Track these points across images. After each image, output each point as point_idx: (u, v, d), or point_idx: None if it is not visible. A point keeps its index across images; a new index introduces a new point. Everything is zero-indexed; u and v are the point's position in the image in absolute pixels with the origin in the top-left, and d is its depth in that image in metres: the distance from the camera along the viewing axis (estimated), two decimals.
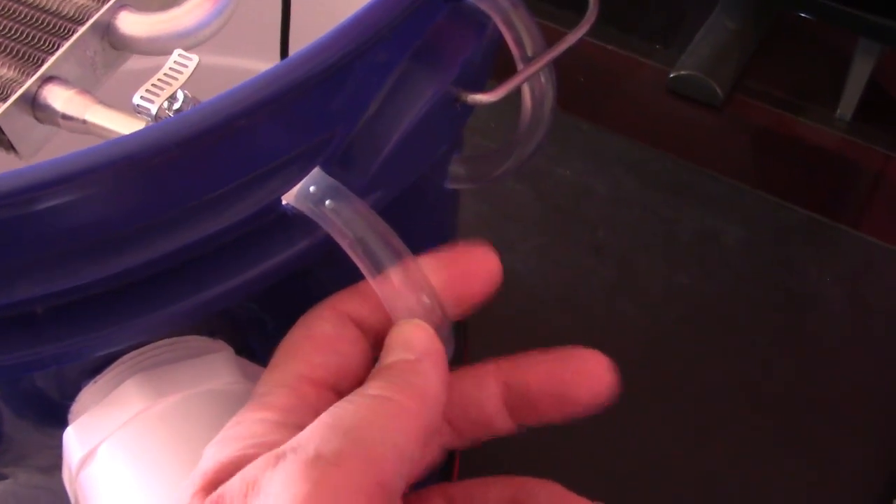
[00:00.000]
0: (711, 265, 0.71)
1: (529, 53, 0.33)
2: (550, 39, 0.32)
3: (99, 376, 0.28)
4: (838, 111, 0.81)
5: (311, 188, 0.26)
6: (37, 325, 0.25)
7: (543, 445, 0.63)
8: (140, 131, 0.22)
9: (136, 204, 0.24)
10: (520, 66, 0.33)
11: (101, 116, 0.29)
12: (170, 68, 0.27)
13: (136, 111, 0.27)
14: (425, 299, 0.27)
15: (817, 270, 0.70)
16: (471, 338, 0.64)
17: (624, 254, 0.72)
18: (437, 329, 0.27)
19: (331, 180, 0.27)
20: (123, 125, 0.29)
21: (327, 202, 0.26)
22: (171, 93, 0.27)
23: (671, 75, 0.82)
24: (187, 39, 0.32)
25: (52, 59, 0.30)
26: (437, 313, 0.27)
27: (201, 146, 0.23)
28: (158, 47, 0.32)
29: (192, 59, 0.27)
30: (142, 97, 0.27)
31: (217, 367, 0.29)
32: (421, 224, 0.39)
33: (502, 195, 0.74)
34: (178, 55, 0.28)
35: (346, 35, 0.24)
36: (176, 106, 0.27)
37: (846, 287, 0.69)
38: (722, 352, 0.67)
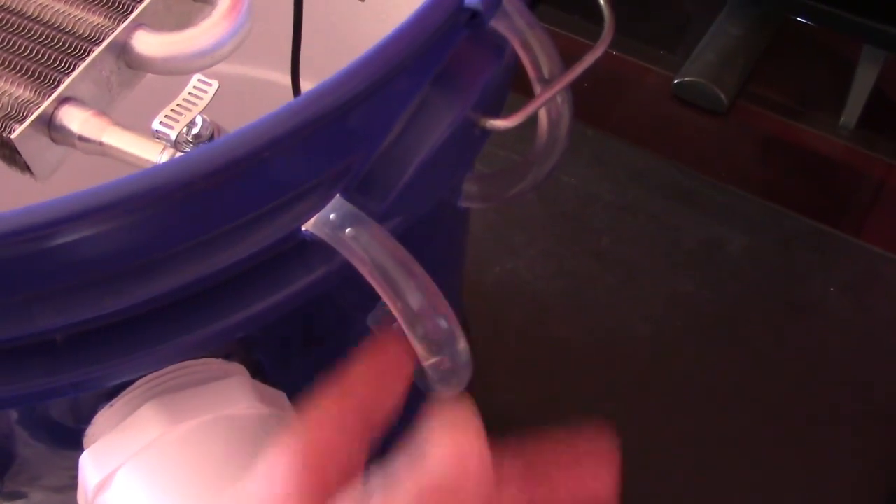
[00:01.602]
0: (716, 274, 0.71)
1: (546, 75, 0.32)
2: (559, 46, 0.32)
3: (115, 400, 0.28)
4: (842, 119, 0.81)
5: (332, 215, 0.26)
6: (56, 353, 0.25)
7: None
8: (167, 164, 0.22)
9: (158, 236, 0.24)
10: (536, 87, 0.33)
11: (118, 139, 0.29)
12: (189, 93, 0.27)
13: (156, 136, 0.27)
14: (443, 324, 0.27)
15: (822, 280, 0.70)
16: (476, 343, 0.64)
17: (629, 261, 0.71)
18: (458, 354, 0.27)
19: (350, 207, 0.27)
20: (141, 148, 0.29)
21: (347, 229, 0.26)
22: (190, 118, 0.27)
23: (675, 81, 0.82)
24: (204, 59, 0.31)
25: (68, 80, 0.30)
26: (456, 338, 0.27)
27: (226, 178, 0.23)
28: (175, 67, 0.31)
29: (212, 85, 0.27)
30: (161, 122, 0.27)
31: (234, 391, 0.29)
32: (432, 242, 0.39)
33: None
34: (198, 80, 0.27)
35: (372, 65, 0.24)
36: (195, 131, 0.27)
37: (851, 296, 0.69)
38: (727, 361, 0.67)
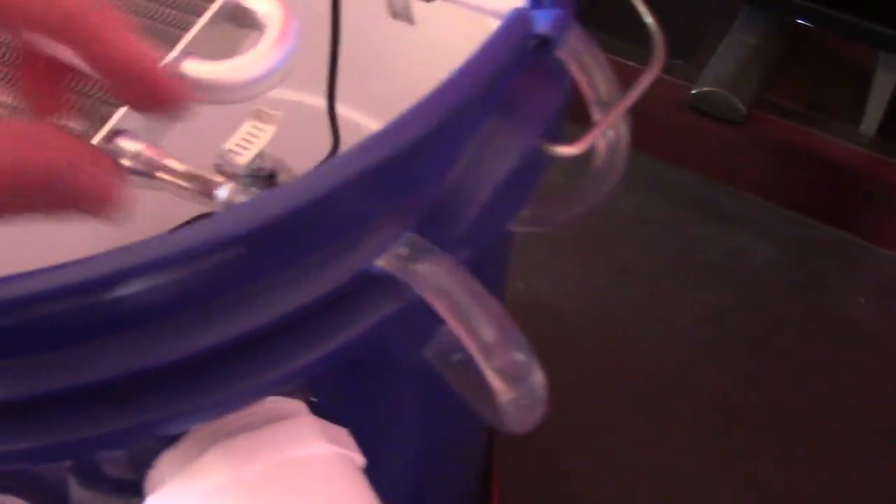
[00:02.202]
0: (740, 285, 0.71)
1: (605, 98, 0.32)
2: None
3: (178, 444, 0.27)
4: (861, 127, 0.80)
5: (403, 250, 0.26)
6: (126, 398, 0.24)
7: (574, 463, 0.63)
8: (246, 207, 0.21)
9: (233, 278, 0.23)
10: (594, 109, 0.33)
11: (175, 173, 0.28)
12: (252, 125, 0.26)
13: (219, 170, 0.26)
14: (520, 356, 0.26)
15: (849, 290, 0.70)
16: None
17: (652, 274, 0.71)
18: (535, 387, 0.27)
19: (421, 241, 0.26)
20: (199, 183, 0.28)
21: (419, 263, 0.26)
22: (256, 151, 0.26)
23: (693, 92, 0.82)
24: (256, 87, 0.31)
25: (118, 113, 0.29)
26: (533, 371, 0.27)
27: (301, 220, 0.22)
28: (227, 96, 0.31)
29: (278, 115, 0.26)
30: (224, 157, 0.26)
31: (301, 432, 0.28)
32: (482, 268, 0.38)
33: None
34: (261, 111, 0.27)
35: (444, 101, 0.23)
36: (257, 165, 0.26)
37: (878, 306, 0.69)
38: (754, 373, 0.67)
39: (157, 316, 0.23)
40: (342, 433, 0.30)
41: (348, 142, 0.49)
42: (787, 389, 0.66)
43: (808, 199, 0.77)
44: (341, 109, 0.47)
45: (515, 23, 0.25)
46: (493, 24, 0.41)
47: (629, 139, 0.33)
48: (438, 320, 0.29)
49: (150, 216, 0.36)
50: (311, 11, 0.36)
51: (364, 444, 0.31)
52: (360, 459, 0.30)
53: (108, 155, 0.28)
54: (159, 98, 0.25)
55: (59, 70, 0.25)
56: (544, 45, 0.26)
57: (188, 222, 0.58)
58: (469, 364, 0.31)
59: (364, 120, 0.52)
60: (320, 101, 0.45)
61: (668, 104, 0.84)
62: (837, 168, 0.79)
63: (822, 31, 0.84)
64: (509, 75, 0.26)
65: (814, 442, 0.64)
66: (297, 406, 0.29)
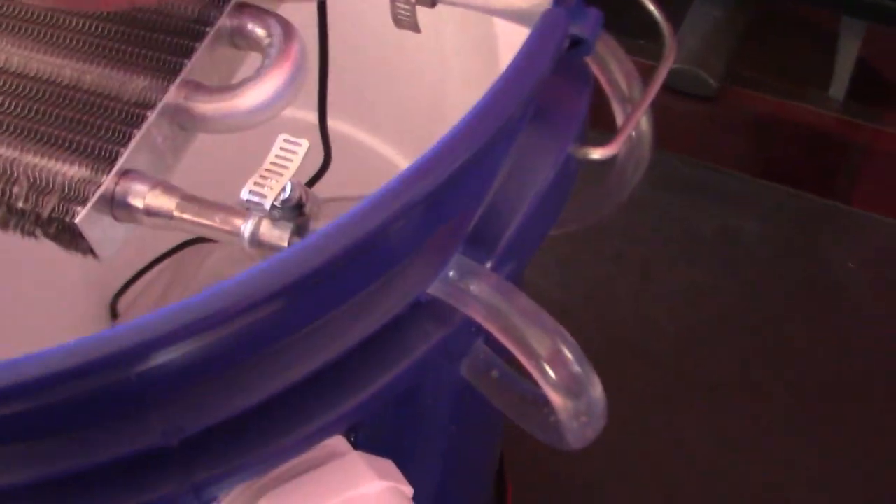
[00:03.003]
0: (732, 262, 0.70)
1: (626, 94, 0.31)
2: None
3: (226, 497, 0.26)
4: (830, 91, 0.81)
5: (451, 273, 0.24)
6: (175, 458, 0.23)
7: (583, 462, 0.62)
8: (295, 251, 0.20)
9: (281, 324, 0.21)
10: (615, 106, 0.32)
11: (193, 210, 0.27)
12: (276, 156, 0.25)
13: (247, 206, 0.25)
14: (576, 369, 0.26)
15: (836, 256, 0.70)
16: None
17: (644, 259, 0.70)
18: (593, 401, 0.26)
19: (468, 261, 0.25)
20: (221, 219, 0.26)
21: (467, 284, 0.24)
22: (283, 183, 0.24)
23: None
24: (263, 113, 0.29)
25: (126, 152, 0.27)
26: (591, 384, 0.26)
27: (352, 259, 0.21)
28: (234, 124, 0.29)
29: (301, 145, 0.25)
30: (251, 191, 0.24)
31: (351, 471, 0.26)
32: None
33: None
34: (284, 140, 0.25)
35: (489, 119, 0.22)
36: (284, 196, 0.25)
37: (870, 271, 0.69)
38: (755, 348, 0.67)
39: (201, 375, 0.21)
40: (389, 465, 0.29)
41: (338, 154, 0.47)
42: (785, 364, 0.66)
43: (786, 168, 0.77)
44: (330, 122, 0.45)
45: (552, 25, 0.24)
46: (491, 25, 0.40)
47: (652, 134, 0.32)
48: (475, 338, 0.28)
49: (137, 243, 0.34)
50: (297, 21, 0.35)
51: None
52: (408, 490, 0.29)
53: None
54: None
55: None
56: (578, 46, 0.25)
57: (177, 248, 0.57)
58: (509, 380, 0.30)
59: (352, 131, 0.50)
60: (308, 115, 0.44)
61: None
62: (811, 134, 0.80)
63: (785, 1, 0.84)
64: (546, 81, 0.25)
65: (814, 414, 0.64)
66: (341, 445, 0.28)
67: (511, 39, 0.37)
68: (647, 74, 0.90)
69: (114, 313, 0.58)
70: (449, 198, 0.23)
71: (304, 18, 0.39)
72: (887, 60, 0.84)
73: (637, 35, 0.85)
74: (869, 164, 0.78)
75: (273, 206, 0.25)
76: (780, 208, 0.73)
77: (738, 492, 0.60)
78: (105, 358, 0.19)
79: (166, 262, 0.56)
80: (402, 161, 0.50)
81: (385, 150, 0.50)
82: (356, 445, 0.30)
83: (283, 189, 0.25)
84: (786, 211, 0.73)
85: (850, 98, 0.81)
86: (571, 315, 0.68)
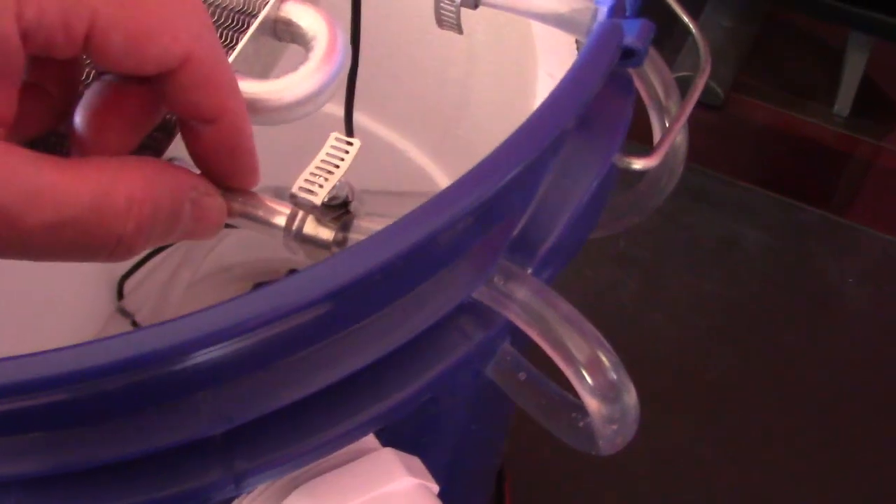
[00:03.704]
0: (733, 270, 0.71)
1: (664, 102, 0.31)
2: None
3: (257, 491, 0.26)
4: (835, 107, 0.82)
5: (496, 277, 0.25)
6: (218, 450, 0.23)
7: (580, 457, 0.63)
8: (351, 253, 0.20)
9: (324, 329, 0.22)
10: (652, 115, 0.32)
11: (239, 201, 0.27)
12: (328, 154, 0.25)
13: (296, 203, 0.25)
14: (613, 376, 0.26)
15: (837, 271, 0.71)
16: None
17: (647, 263, 0.71)
18: (627, 407, 0.26)
19: (511, 266, 0.25)
20: (263, 211, 0.26)
21: (510, 289, 0.25)
22: (335, 182, 0.24)
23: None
24: (306, 106, 0.29)
25: (171, 142, 0.27)
26: (626, 390, 0.26)
27: (400, 265, 0.21)
28: (278, 117, 0.29)
29: (353, 144, 0.25)
30: (301, 188, 0.25)
31: (383, 467, 0.27)
32: None
33: None
34: (336, 139, 0.25)
35: (544, 128, 0.22)
36: (332, 194, 0.25)
37: (868, 285, 0.70)
38: (755, 356, 0.67)
39: (253, 369, 0.21)
40: (416, 462, 0.29)
41: (362, 149, 0.47)
42: (784, 373, 0.67)
43: (790, 180, 0.78)
44: (353, 116, 0.45)
45: (609, 36, 0.24)
46: (527, 26, 0.40)
47: (686, 145, 0.32)
48: (504, 339, 0.29)
49: None
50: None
51: None
52: (435, 487, 0.29)
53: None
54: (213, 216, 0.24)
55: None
56: (629, 57, 0.26)
57: None
58: (537, 382, 0.30)
59: (372, 125, 0.50)
60: (333, 108, 0.44)
61: None
62: (814, 148, 0.81)
63: (794, 12, 0.85)
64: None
65: (812, 422, 0.65)
66: (370, 441, 0.28)
67: (548, 43, 0.38)
68: None
69: (120, 293, 0.58)
70: (499, 205, 0.23)
71: (332, 12, 0.39)
72: (892, 78, 0.84)
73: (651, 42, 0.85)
74: (869, 180, 0.79)
75: (322, 204, 0.25)
76: (781, 219, 0.74)
77: (737, 497, 0.61)
78: (163, 350, 0.19)
79: (176, 244, 0.56)
80: (421, 157, 0.50)
81: (404, 144, 0.50)
82: (382, 441, 0.30)
83: (333, 187, 0.25)
84: (787, 222, 0.74)
85: (854, 114, 0.82)
86: None
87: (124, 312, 0.57)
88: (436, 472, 0.40)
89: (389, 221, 0.25)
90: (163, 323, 0.20)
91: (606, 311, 0.69)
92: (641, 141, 0.33)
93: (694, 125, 0.93)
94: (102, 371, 0.19)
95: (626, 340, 0.68)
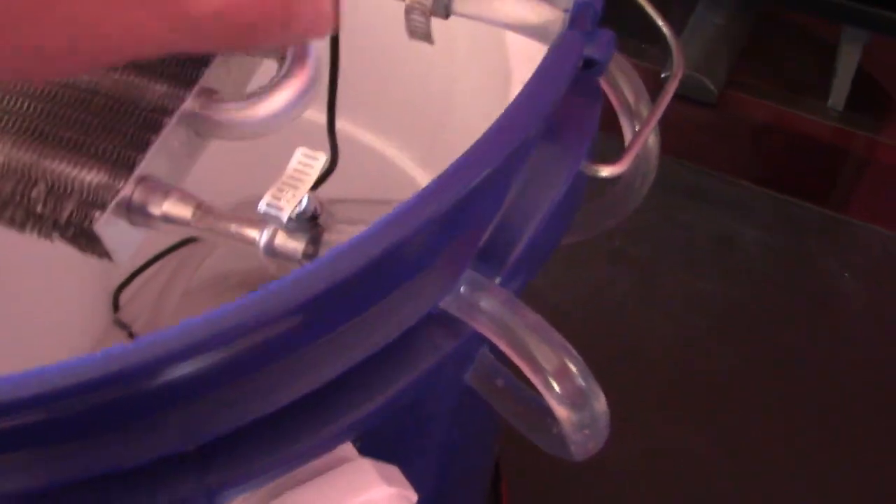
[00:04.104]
0: (730, 268, 0.71)
1: (634, 108, 0.31)
2: None
3: (236, 501, 0.26)
4: (830, 101, 0.81)
5: (462, 288, 0.25)
6: (189, 464, 0.23)
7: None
8: (315, 268, 0.20)
9: (292, 342, 0.22)
10: (622, 119, 0.32)
11: (210, 218, 0.27)
12: (294, 169, 0.25)
13: (264, 218, 0.25)
14: (581, 383, 0.26)
15: (833, 266, 0.71)
16: None
17: (643, 261, 0.71)
18: (597, 414, 0.26)
19: (478, 277, 0.25)
20: (234, 227, 0.27)
21: (477, 300, 0.25)
22: (300, 196, 0.25)
23: (663, 75, 0.82)
24: (278, 120, 0.30)
25: (145, 158, 0.28)
26: (595, 397, 0.26)
27: (366, 278, 0.21)
28: (250, 132, 0.30)
29: (318, 159, 0.25)
30: (268, 204, 0.25)
31: (359, 477, 0.27)
32: None
33: None
34: (302, 154, 0.26)
35: (507, 138, 0.23)
36: (299, 209, 0.25)
37: (865, 281, 0.70)
38: (751, 355, 0.67)
39: (219, 385, 0.22)
40: (395, 472, 0.29)
41: (342, 155, 0.48)
42: (783, 371, 0.67)
43: (785, 176, 0.78)
44: (337, 123, 0.46)
45: (567, 49, 0.24)
46: (502, 35, 0.40)
47: (658, 148, 0.32)
48: (480, 346, 0.29)
49: None
50: None
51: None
52: (413, 496, 0.30)
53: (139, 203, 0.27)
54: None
55: None
56: (591, 67, 0.26)
57: (182, 243, 0.57)
58: (513, 389, 0.30)
59: (357, 132, 0.51)
60: (314, 114, 0.44)
61: None
62: (809, 143, 0.80)
63: (787, 7, 0.85)
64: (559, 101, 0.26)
65: (813, 422, 0.65)
66: (345, 447, 0.28)
67: (521, 50, 0.38)
68: (649, 79, 0.90)
69: (116, 305, 0.58)
70: (464, 215, 0.23)
71: None
72: (886, 72, 0.84)
73: (641, 39, 0.86)
74: (866, 174, 0.79)
75: (289, 219, 0.25)
76: (777, 216, 0.74)
77: (735, 497, 0.61)
78: (129, 369, 0.20)
79: (170, 255, 0.57)
80: (408, 164, 0.50)
81: (391, 151, 0.51)
82: (361, 450, 0.31)
83: (300, 202, 0.25)
84: (783, 219, 0.74)
85: (849, 108, 0.82)
86: (569, 318, 0.69)
87: (121, 324, 0.58)
88: (425, 477, 0.40)
89: (358, 233, 0.25)
90: (130, 344, 0.20)
91: (602, 310, 0.69)
92: (613, 131, 0.33)
93: (688, 123, 0.93)
94: (66, 392, 0.20)
95: (621, 339, 0.68)
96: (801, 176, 0.78)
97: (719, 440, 0.64)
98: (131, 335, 0.59)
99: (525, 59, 0.37)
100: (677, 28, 0.85)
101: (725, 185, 0.76)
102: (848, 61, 0.81)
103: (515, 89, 0.36)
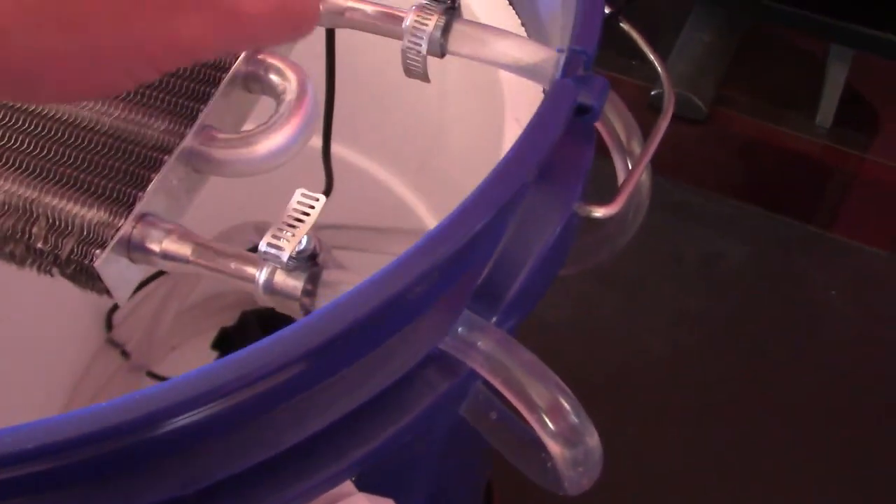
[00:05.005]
0: (717, 284, 0.72)
1: (626, 145, 0.32)
2: None
3: None
4: (818, 119, 0.82)
5: (459, 329, 0.25)
6: None
7: None
8: (321, 316, 0.21)
9: (296, 385, 0.22)
10: (615, 156, 0.33)
11: (209, 255, 0.27)
12: (294, 209, 0.26)
13: (264, 258, 0.26)
14: (574, 420, 0.27)
15: (819, 283, 0.72)
16: None
17: (632, 279, 0.72)
18: (590, 449, 0.27)
19: (475, 317, 0.26)
20: (237, 263, 0.27)
21: (475, 340, 0.26)
22: (301, 236, 0.25)
23: (653, 93, 0.83)
24: (278, 158, 0.30)
25: (144, 196, 0.28)
26: (588, 433, 0.27)
27: (368, 325, 0.22)
28: (249, 169, 0.30)
29: (319, 200, 0.26)
30: (269, 244, 0.25)
31: None
32: None
33: None
34: (301, 195, 0.26)
35: (505, 186, 0.23)
36: (299, 248, 0.26)
37: (850, 297, 0.71)
38: (741, 370, 0.68)
39: (223, 433, 0.22)
40: None
41: (337, 179, 0.48)
42: (773, 387, 0.68)
43: (772, 193, 0.79)
44: (332, 148, 0.46)
45: (561, 96, 0.25)
46: (495, 71, 0.41)
47: (650, 181, 0.33)
48: (475, 381, 0.29)
49: None
50: (305, 52, 0.36)
51: None
52: None
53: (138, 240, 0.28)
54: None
55: None
56: (585, 112, 0.26)
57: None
58: (507, 422, 0.31)
59: (352, 156, 0.51)
60: (312, 141, 0.45)
61: (628, 106, 0.85)
62: (797, 161, 0.81)
63: (774, 25, 0.86)
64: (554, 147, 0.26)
65: (802, 436, 0.65)
66: (344, 483, 0.29)
67: (513, 78, 0.38)
68: (636, 95, 0.90)
69: (109, 325, 0.59)
70: (462, 260, 0.24)
71: (311, 49, 0.40)
72: (873, 89, 0.85)
73: (629, 56, 0.86)
74: (852, 191, 0.79)
75: (289, 258, 0.26)
76: (765, 233, 0.75)
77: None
78: (138, 420, 0.20)
79: (165, 275, 0.57)
80: (401, 188, 0.51)
81: (384, 176, 0.51)
82: (357, 482, 0.31)
83: (300, 242, 0.26)
84: (771, 236, 0.75)
85: (837, 125, 0.83)
86: (557, 334, 0.69)
87: (114, 343, 0.58)
88: (419, 501, 0.41)
89: (356, 276, 0.26)
90: (128, 396, 0.21)
91: (591, 328, 0.69)
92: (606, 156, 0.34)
93: (677, 140, 0.94)
94: (69, 444, 0.20)
95: (610, 356, 0.69)
96: (788, 193, 0.79)
97: (710, 454, 0.65)
98: (124, 353, 0.59)
99: (517, 87, 0.38)
100: (666, 46, 0.86)
101: (713, 202, 0.77)
102: (835, 79, 0.82)
103: (509, 125, 0.37)
